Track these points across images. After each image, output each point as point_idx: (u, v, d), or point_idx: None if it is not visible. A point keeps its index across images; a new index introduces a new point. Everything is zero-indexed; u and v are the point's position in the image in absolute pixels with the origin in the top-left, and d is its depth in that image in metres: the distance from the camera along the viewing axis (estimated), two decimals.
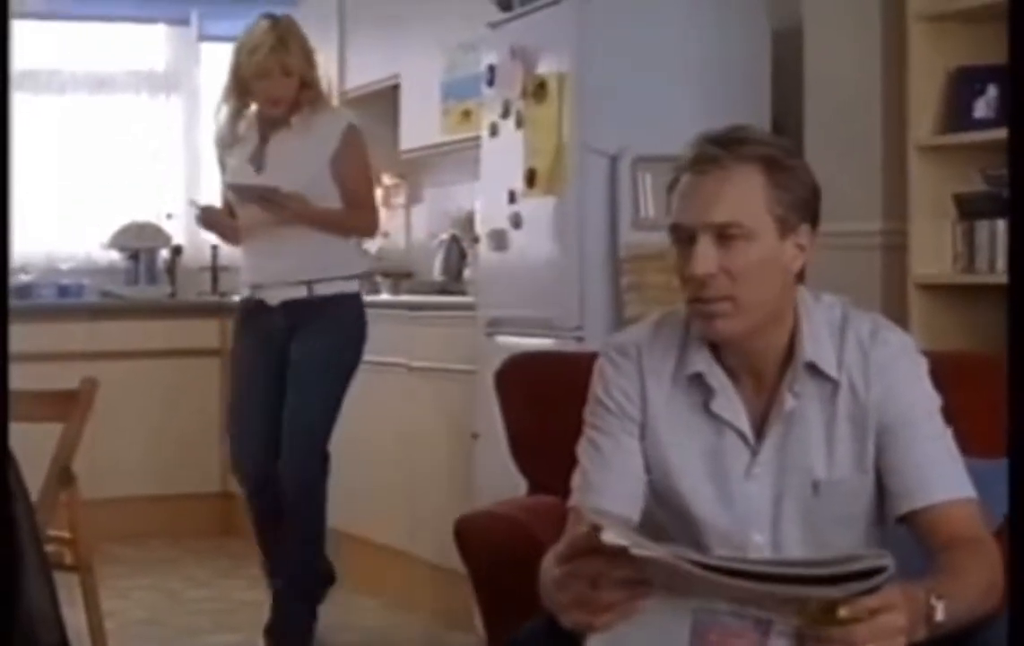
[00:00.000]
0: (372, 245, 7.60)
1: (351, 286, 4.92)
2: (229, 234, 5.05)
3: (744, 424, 2.28)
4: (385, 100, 6.95)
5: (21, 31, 7.41)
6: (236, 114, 4.87)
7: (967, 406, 2.34)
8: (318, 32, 7.60)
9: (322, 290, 4.82)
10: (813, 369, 2.26)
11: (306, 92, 4.81)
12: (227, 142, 4.89)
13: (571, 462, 2.36)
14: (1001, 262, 3.93)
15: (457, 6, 6.02)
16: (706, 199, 2.18)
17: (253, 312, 4.91)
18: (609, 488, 2.28)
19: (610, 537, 1.89)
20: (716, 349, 2.29)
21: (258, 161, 4.84)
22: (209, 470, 7.19)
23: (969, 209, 4.05)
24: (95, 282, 7.52)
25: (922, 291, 4.11)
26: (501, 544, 2.65)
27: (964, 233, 4.05)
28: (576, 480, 2.33)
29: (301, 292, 4.81)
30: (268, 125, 4.84)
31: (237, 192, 4.82)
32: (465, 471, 5.08)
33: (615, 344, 2.39)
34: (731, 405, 2.28)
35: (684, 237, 2.20)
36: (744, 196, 2.18)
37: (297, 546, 4.88)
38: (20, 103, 7.52)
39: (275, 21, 4.81)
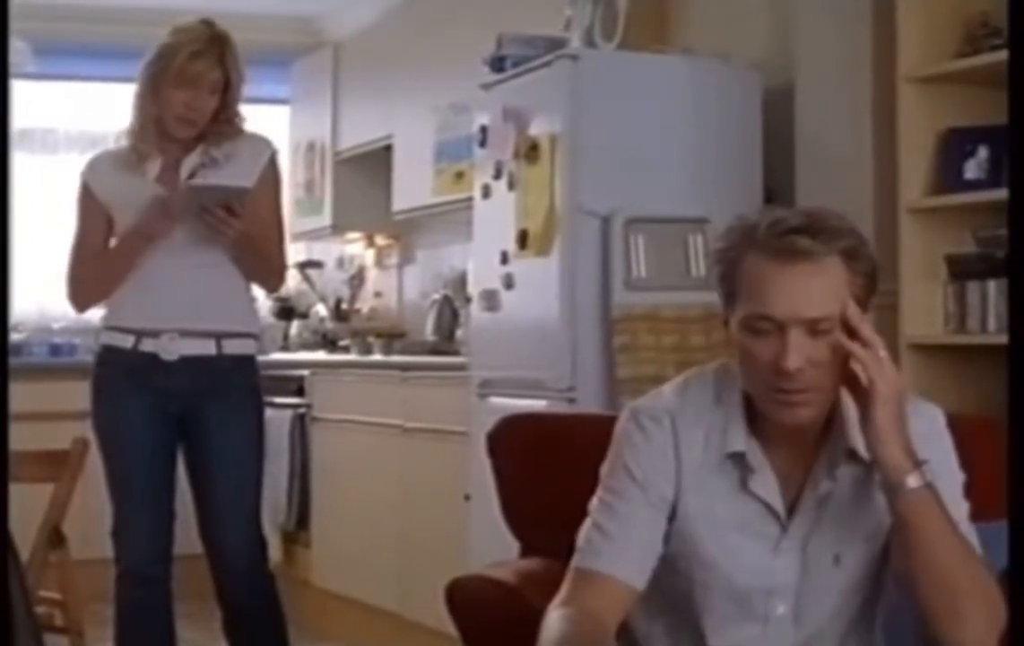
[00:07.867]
0: (364, 304, 7.64)
1: (255, 346, 4.10)
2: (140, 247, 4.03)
3: (777, 501, 2.24)
4: (378, 160, 6.98)
5: (16, 91, 7.44)
6: (150, 125, 4.02)
7: (966, 469, 2.32)
8: (311, 92, 7.69)
9: (232, 348, 3.99)
10: (851, 454, 2.22)
11: (228, 114, 4.02)
12: (131, 162, 4.03)
13: (563, 524, 2.34)
14: (993, 323, 3.94)
15: (450, 67, 6.05)
16: (799, 293, 2.13)
17: (139, 369, 3.95)
18: (620, 555, 2.22)
19: None
20: (753, 422, 2.24)
21: (174, 186, 3.99)
22: None
23: (960, 270, 4.06)
24: (87, 342, 7.50)
25: (914, 352, 4.11)
26: (493, 608, 2.63)
27: (955, 294, 4.07)
28: (583, 542, 2.27)
29: (208, 348, 3.96)
30: (178, 147, 4.03)
31: (194, 194, 3.92)
32: (457, 532, 5.06)
33: (646, 410, 2.30)
34: (767, 483, 2.24)
35: (769, 327, 2.14)
36: (832, 289, 2.15)
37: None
38: (14, 162, 7.54)
39: (214, 27, 4.01)
